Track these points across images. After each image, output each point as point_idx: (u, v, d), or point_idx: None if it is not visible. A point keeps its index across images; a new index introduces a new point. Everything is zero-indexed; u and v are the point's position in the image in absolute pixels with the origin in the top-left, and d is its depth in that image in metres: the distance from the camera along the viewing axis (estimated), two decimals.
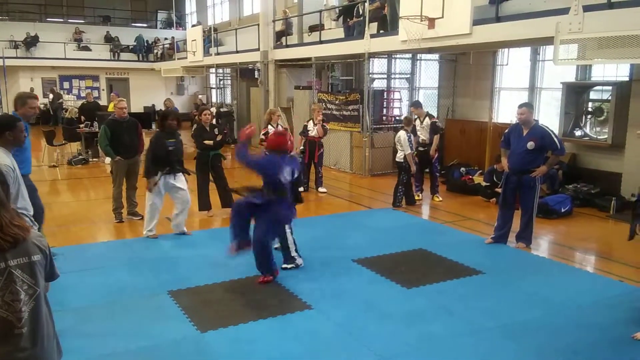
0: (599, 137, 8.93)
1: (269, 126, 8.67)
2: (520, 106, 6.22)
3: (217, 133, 7.80)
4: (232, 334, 4.20)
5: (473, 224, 7.63)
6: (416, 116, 9.31)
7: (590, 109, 9.11)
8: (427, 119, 9.12)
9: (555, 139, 6.10)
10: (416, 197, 8.93)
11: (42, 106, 23.00)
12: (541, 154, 6.21)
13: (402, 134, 8.37)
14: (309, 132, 9.51)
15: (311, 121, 9.64)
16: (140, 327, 4.32)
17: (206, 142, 7.64)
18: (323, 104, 12.17)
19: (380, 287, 5.21)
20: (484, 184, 9.25)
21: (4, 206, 2.23)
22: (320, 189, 9.70)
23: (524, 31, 7.79)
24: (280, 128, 8.79)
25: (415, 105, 9.57)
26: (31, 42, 22.94)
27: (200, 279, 5.33)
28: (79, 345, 3.94)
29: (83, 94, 18.79)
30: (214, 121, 9.01)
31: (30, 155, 5.40)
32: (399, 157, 8.48)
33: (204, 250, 6.31)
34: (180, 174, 6.71)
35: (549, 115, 9.92)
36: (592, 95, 9.14)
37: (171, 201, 6.87)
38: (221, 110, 17.49)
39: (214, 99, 23.07)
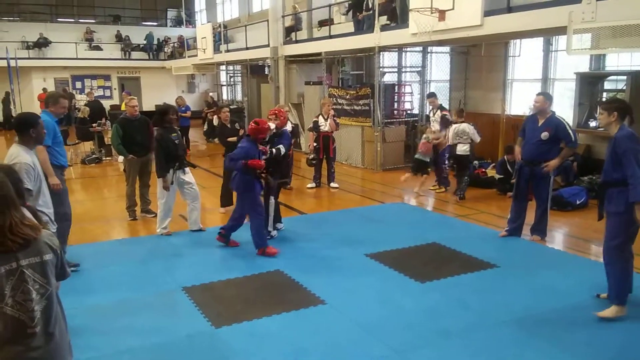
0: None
1: None
2: (538, 94, 6.20)
3: (238, 128, 7.87)
4: (246, 329, 4.21)
5: (487, 217, 7.57)
6: (430, 107, 9.38)
7: (604, 99, 8.98)
8: (438, 111, 9.18)
9: (570, 131, 6.00)
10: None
11: None
12: (555, 145, 6.09)
13: (465, 126, 8.44)
14: (321, 127, 9.48)
15: (321, 116, 9.60)
16: (155, 323, 4.35)
17: (230, 139, 7.69)
18: (334, 99, 12.13)
19: (394, 281, 5.19)
20: (497, 177, 9.18)
21: (14, 206, 2.21)
22: (332, 185, 9.68)
23: (536, 21, 7.70)
24: (289, 124, 8.80)
25: (431, 95, 9.69)
26: (42, 43, 23.13)
27: (214, 275, 5.34)
28: (94, 342, 3.99)
29: (95, 94, 18.88)
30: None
31: (64, 149, 5.62)
32: (464, 150, 8.50)
33: (217, 246, 6.32)
34: (188, 168, 6.77)
35: (563, 107, 9.80)
36: (607, 85, 9.03)
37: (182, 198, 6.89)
38: (231, 107, 17.49)
39: (224, 96, 23.13)
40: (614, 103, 4.42)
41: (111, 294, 4.95)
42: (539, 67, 10.33)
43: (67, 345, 2.41)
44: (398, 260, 5.70)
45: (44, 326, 2.24)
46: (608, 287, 4.39)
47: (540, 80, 10.28)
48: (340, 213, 7.97)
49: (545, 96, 6.16)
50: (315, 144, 9.54)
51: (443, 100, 11.99)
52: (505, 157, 8.94)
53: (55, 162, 5.33)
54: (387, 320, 4.34)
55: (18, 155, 3.68)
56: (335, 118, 9.61)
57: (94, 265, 5.70)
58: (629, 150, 4.10)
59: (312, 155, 9.48)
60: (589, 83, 8.98)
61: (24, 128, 3.79)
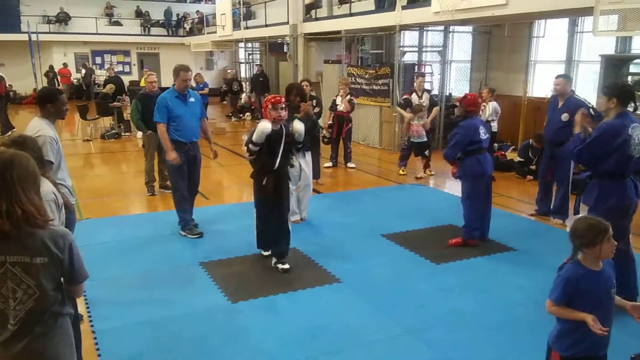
0: (638, 112, 8.62)
1: None
2: (557, 77, 6.26)
3: (314, 105, 7.63)
4: (262, 305, 4.27)
5: (505, 200, 7.51)
6: (415, 89, 9.15)
7: (630, 83, 8.78)
8: (426, 93, 9.13)
9: (590, 110, 5.93)
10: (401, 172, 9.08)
11: (75, 81, 23.45)
12: None
13: (496, 104, 8.81)
14: (337, 107, 9.42)
15: (339, 96, 9.54)
16: (173, 296, 4.43)
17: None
18: (352, 78, 12.03)
19: (409, 262, 5.20)
20: (517, 159, 9.08)
21: (29, 190, 2.06)
22: (349, 164, 9.66)
23: (563, 1, 7.52)
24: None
25: (422, 75, 9.66)
26: (63, 17, 23.23)
27: (232, 251, 5.40)
28: (114, 313, 4.09)
29: (115, 69, 18.92)
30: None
31: (192, 125, 5.75)
32: (494, 127, 8.76)
33: (235, 222, 6.37)
34: (309, 152, 6.31)
35: (587, 90, 9.59)
36: (632, 68, 8.80)
37: None
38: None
39: (242, 74, 23.07)
40: (614, 88, 4.01)
41: (130, 267, 5.05)
42: (563, 48, 10.11)
43: (61, 348, 2.21)
44: (414, 241, 5.70)
45: (25, 328, 2.10)
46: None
47: (564, 62, 10.08)
48: (356, 193, 7.97)
49: (566, 78, 6.27)
50: (330, 122, 9.51)
51: (464, 81, 11.85)
52: (531, 141, 8.80)
53: (173, 137, 5.63)
54: (401, 300, 4.36)
55: (41, 128, 3.75)
56: (352, 98, 9.48)
57: (113, 238, 5.80)
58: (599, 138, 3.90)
59: (325, 133, 9.44)
60: (614, 66, 8.76)
61: (43, 102, 3.87)
